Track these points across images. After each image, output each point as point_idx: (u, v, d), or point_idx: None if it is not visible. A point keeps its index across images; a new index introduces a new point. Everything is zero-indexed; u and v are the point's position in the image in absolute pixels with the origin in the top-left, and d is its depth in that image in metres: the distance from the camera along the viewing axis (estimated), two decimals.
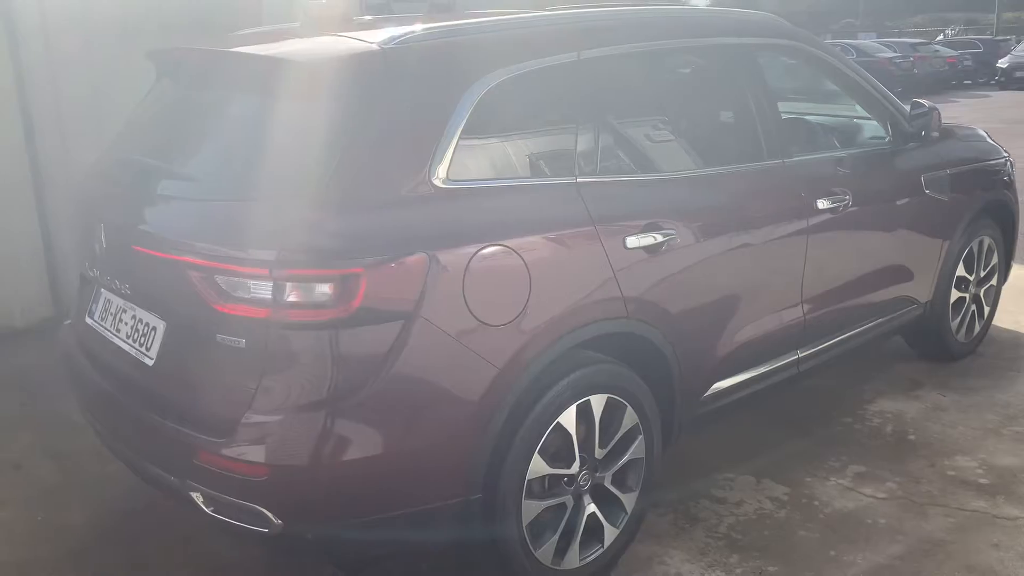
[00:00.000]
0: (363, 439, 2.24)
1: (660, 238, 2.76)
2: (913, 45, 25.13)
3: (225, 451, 2.22)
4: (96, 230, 2.62)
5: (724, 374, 3.14)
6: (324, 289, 2.17)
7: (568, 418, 2.60)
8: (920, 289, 4.03)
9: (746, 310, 3.14)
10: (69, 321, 3.09)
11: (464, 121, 2.44)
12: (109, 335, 2.68)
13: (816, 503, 3.25)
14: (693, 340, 2.96)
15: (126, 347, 2.58)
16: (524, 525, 2.55)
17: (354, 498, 2.28)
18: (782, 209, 3.25)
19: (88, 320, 2.81)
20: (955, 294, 4.27)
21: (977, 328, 4.52)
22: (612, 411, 2.72)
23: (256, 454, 2.20)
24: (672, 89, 3.16)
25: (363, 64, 2.39)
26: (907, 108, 3.96)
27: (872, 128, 3.97)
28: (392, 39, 2.46)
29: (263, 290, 2.18)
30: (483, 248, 2.37)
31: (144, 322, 2.53)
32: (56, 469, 3.57)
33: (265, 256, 2.19)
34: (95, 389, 2.74)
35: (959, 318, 4.36)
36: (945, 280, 4.16)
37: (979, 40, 29.14)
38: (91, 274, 2.76)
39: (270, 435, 2.20)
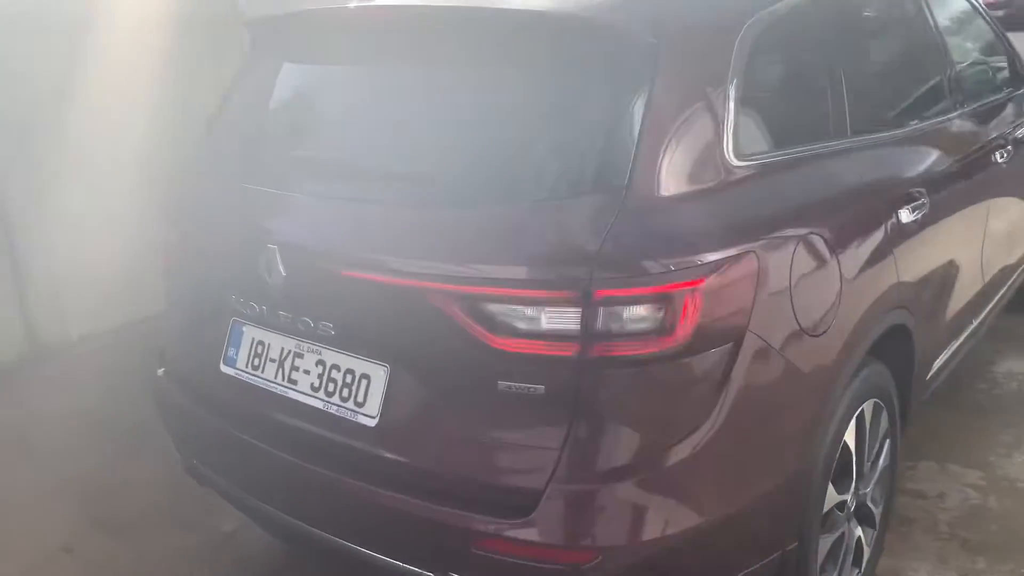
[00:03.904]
0: (702, 498, 1.74)
1: (918, 209, 2.35)
2: None
3: (524, 535, 1.67)
4: (260, 253, 1.96)
5: (940, 350, 2.79)
6: (655, 311, 1.64)
7: (850, 435, 2.17)
8: None
9: (960, 279, 2.79)
10: (163, 370, 2.41)
11: (739, 78, 1.93)
12: (276, 387, 2.03)
13: (1020, 485, 2.95)
14: (929, 318, 2.58)
15: (316, 402, 1.95)
16: (819, 565, 2.12)
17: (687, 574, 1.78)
18: (977, 163, 2.90)
19: (226, 368, 2.15)
20: None
21: None
22: (875, 418, 2.31)
23: (575, 535, 1.66)
24: (887, 35, 2.74)
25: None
26: None
27: (997, 72, 3.66)
28: None
29: (570, 319, 1.63)
30: (801, 237, 1.88)
31: (345, 368, 1.91)
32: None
33: (574, 274, 1.63)
34: (255, 458, 2.09)
35: None
36: None
37: None
38: (244, 310, 2.07)
39: (593, 508, 1.67)
